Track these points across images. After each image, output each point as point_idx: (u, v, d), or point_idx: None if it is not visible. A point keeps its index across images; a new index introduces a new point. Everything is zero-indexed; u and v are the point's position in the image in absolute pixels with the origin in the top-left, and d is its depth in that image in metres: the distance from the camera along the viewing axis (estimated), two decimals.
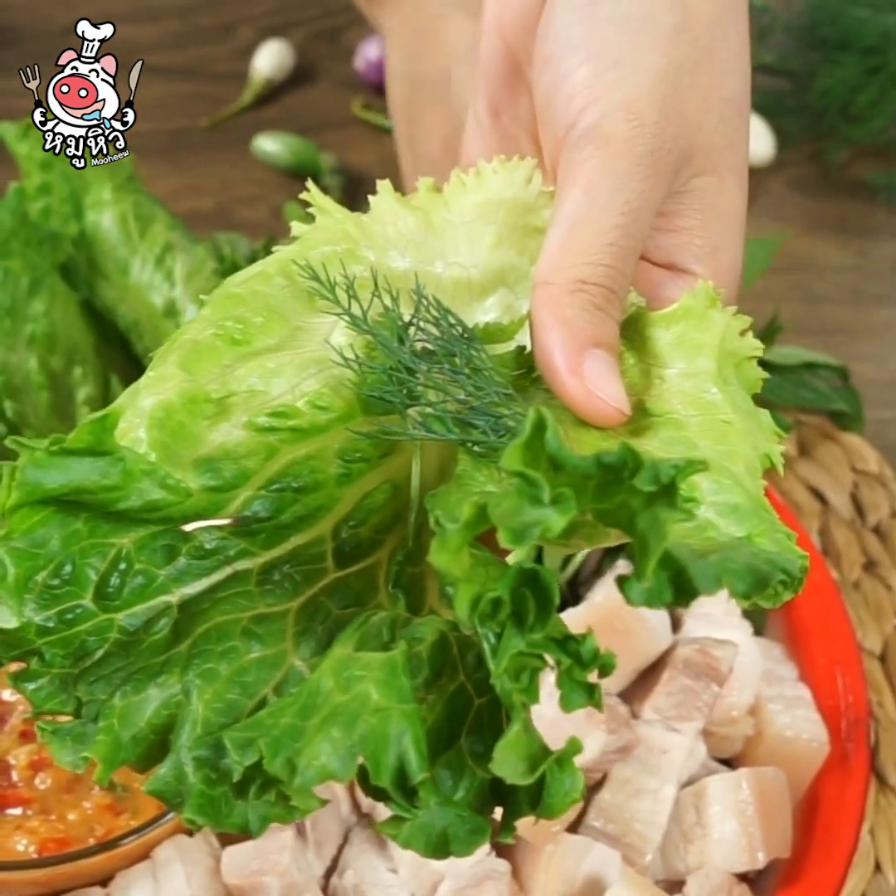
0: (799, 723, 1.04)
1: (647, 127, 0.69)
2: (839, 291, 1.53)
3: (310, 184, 0.73)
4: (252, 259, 1.28)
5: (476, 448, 0.63)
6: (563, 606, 1.05)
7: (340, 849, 0.99)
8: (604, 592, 1.02)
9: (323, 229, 0.72)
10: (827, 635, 1.10)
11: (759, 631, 1.11)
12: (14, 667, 0.62)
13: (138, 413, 0.63)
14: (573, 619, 1.02)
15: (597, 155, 0.69)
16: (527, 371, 0.69)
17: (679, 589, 0.51)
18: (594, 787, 1.00)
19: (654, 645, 1.03)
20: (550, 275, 0.68)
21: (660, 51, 0.71)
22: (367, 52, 1.67)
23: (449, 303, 0.72)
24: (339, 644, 0.60)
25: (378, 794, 0.56)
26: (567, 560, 1.12)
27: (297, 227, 0.72)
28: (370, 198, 0.73)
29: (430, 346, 0.68)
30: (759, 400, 0.69)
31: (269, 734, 0.56)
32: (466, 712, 0.59)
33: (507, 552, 0.57)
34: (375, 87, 1.68)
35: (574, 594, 1.09)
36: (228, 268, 1.24)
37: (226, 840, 0.97)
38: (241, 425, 0.65)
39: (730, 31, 0.74)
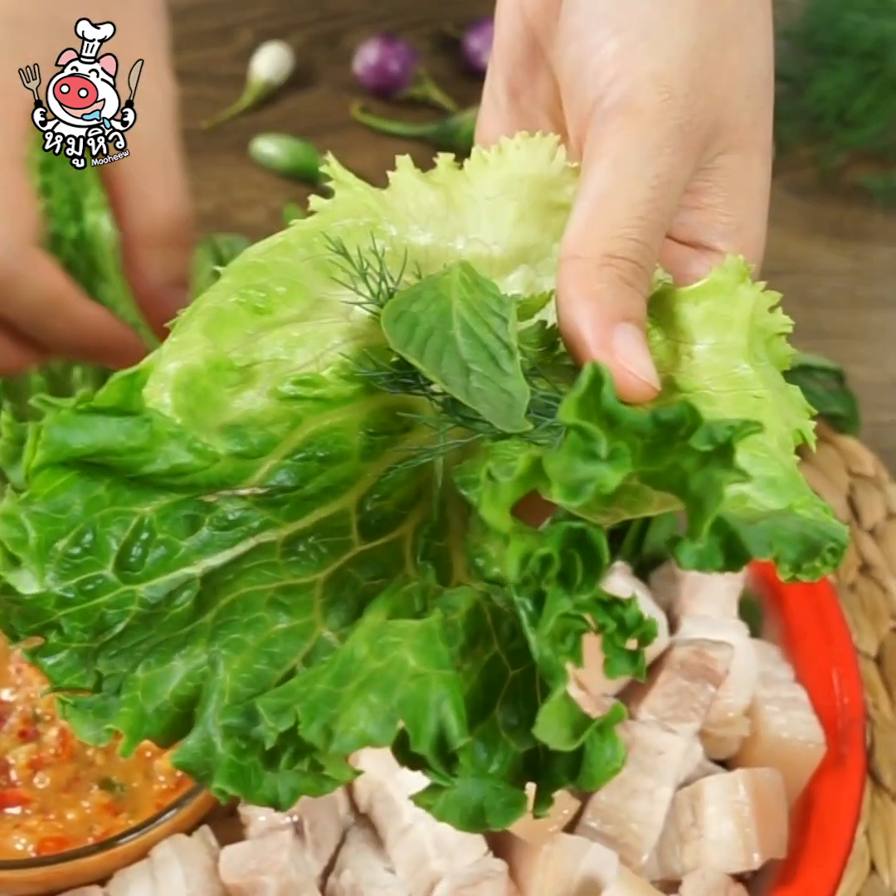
0: (795, 724, 1.05)
1: (678, 100, 0.68)
2: (836, 295, 1.53)
3: (330, 157, 0.72)
4: None
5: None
6: None
7: (338, 849, 0.99)
8: None
9: (344, 203, 0.71)
10: (823, 637, 1.10)
11: (755, 632, 1.12)
12: (29, 643, 0.61)
13: (162, 377, 0.62)
14: None
15: (626, 127, 0.68)
16: (549, 348, 0.69)
17: (731, 553, 0.51)
18: None
19: (652, 646, 1.04)
20: (578, 248, 0.67)
21: (689, 24, 0.70)
22: (367, 56, 1.67)
23: None
24: (371, 613, 0.59)
25: (415, 763, 0.55)
26: None
27: (316, 201, 0.71)
28: (390, 174, 0.73)
29: None
30: None
31: (305, 700, 0.55)
32: (501, 683, 0.58)
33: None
34: (375, 91, 1.68)
35: None
36: None
37: (224, 839, 0.97)
38: (266, 393, 0.64)
39: (755, 8, 0.73)
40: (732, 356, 0.66)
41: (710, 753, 1.05)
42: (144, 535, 0.61)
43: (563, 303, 0.66)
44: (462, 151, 1.72)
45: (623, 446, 0.50)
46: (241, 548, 0.63)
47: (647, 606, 1.06)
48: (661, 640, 1.05)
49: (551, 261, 0.71)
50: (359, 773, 0.57)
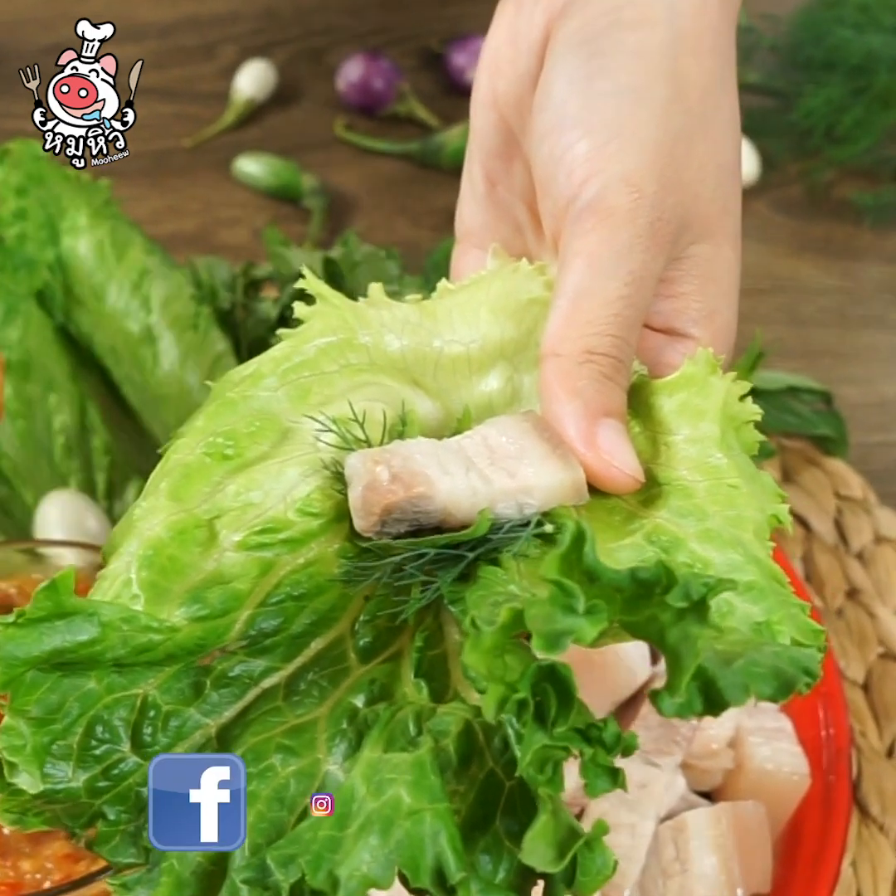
0: (780, 755, 1.03)
1: (647, 198, 0.70)
2: (824, 314, 1.52)
3: (306, 271, 0.74)
4: (232, 284, 1.27)
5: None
6: None
7: None
8: None
9: (321, 317, 0.73)
10: None
11: None
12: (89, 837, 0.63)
13: (129, 552, 0.64)
14: None
15: (599, 227, 0.70)
16: None
17: (709, 700, 0.53)
18: None
19: (633, 678, 1.03)
20: (558, 346, 0.69)
21: (656, 123, 0.72)
22: (350, 73, 1.67)
23: (450, 380, 0.73)
24: (368, 746, 0.61)
25: (421, 894, 0.56)
26: None
27: (299, 308, 0.73)
28: (371, 285, 0.75)
29: None
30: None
31: (309, 849, 0.57)
32: (498, 796, 0.59)
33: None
34: (358, 108, 1.68)
35: None
36: (207, 294, 1.23)
37: None
38: (234, 546, 0.65)
39: (721, 99, 0.75)
40: (707, 446, 0.68)
41: (694, 785, 1.04)
42: (151, 713, 0.63)
43: (547, 400, 0.68)
44: (446, 169, 1.71)
45: (601, 603, 0.53)
46: (247, 699, 0.65)
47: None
48: (643, 671, 1.03)
49: (529, 354, 0.74)
50: None
